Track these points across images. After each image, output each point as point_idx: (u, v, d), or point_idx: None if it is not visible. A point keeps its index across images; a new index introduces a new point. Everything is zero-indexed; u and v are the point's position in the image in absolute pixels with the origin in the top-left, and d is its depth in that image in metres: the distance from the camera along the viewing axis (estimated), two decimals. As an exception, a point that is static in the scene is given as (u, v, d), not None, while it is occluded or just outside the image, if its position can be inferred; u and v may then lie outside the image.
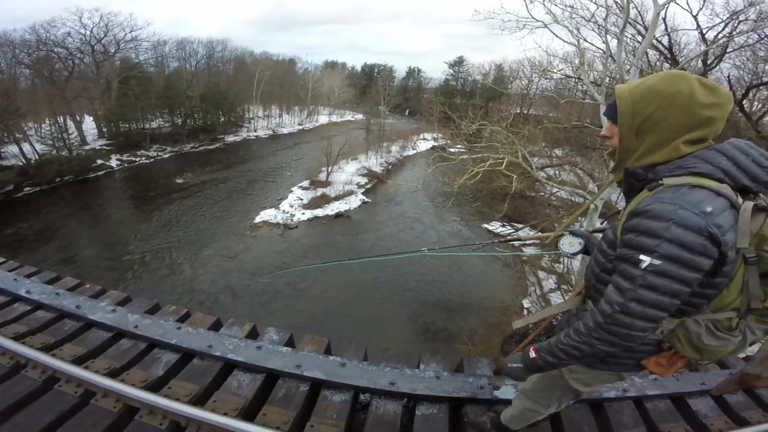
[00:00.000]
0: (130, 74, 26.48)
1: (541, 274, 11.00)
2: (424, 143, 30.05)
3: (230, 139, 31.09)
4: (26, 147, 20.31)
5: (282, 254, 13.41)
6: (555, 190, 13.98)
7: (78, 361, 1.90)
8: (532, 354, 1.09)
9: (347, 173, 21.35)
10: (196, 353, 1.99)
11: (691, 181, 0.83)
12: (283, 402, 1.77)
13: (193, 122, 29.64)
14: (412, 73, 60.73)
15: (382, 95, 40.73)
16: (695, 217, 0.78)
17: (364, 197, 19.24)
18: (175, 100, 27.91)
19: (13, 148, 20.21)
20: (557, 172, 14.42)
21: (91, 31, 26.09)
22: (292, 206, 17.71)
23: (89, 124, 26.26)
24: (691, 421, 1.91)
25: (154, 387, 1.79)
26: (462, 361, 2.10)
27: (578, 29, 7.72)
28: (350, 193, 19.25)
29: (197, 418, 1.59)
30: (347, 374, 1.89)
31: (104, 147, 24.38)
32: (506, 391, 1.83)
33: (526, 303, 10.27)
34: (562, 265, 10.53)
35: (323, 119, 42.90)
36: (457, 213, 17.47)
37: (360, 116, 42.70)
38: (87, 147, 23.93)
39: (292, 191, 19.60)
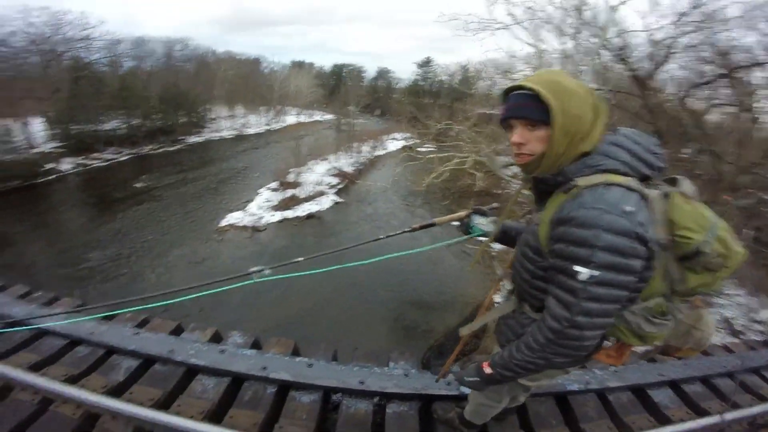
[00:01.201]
0: (80, 74, 24.94)
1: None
2: (394, 143, 30.26)
3: (192, 140, 29.91)
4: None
5: (249, 258, 13.12)
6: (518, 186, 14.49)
7: (34, 368, 1.87)
8: (488, 369, 1.10)
9: (317, 174, 21.17)
10: (157, 359, 1.98)
11: (604, 180, 0.84)
12: (250, 404, 1.78)
13: (152, 123, 28.26)
14: (382, 73, 60.96)
15: (352, 95, 40.61)
16: (620, 219, 0.78)
17: (335, 197, 19.17)
18: (131, 101, 26.54)
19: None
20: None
21: (38, 30, 24.47)
22: (260, 208, 17.35)
23: (37, 126, 24.49)
24: (653, 411, 1.98)
25: (115, 392, 1.78)
26: (429, 358, 2.20)
27: (537, 31, 8.09)
28: (321, 193, 19.13)
29: (162, 422, 1.59)
30: (315, 375, 1.92)
31: (54, 150, 22.77)
32: (470, 386, 1.94)
33: (497, 298, 10.56)
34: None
35: (291, 119, 42.14)
36: (427, 210, 17.79)
37: (329, 116, 42.33)
38: (35, 150, 22.26)
39: (259, 193, 19.19)
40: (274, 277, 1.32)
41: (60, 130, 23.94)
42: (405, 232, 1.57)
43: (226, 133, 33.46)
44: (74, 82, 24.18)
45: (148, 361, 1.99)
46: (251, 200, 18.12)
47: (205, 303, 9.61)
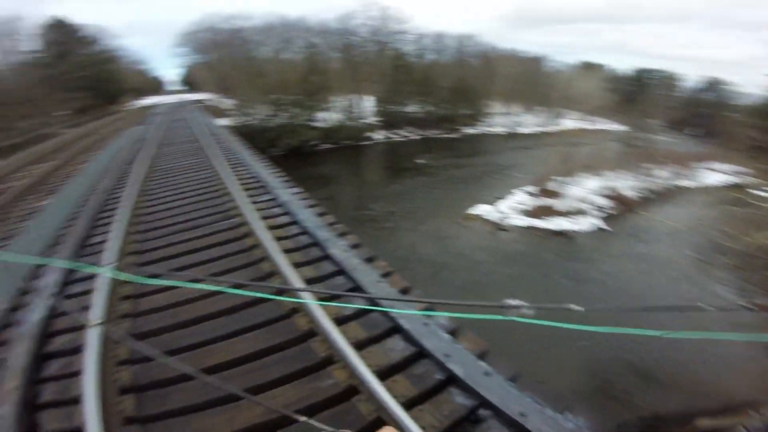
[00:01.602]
0: (398, 63, 31.54)
1: None
2: (713, 176, 22.28)
3: (468, 131, 32.66)
4: (328, 115, 28.07)
5: (483, 250, 13.23)
6: None
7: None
8: None
9: (584, 189, 18.46)
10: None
11: None
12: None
13: (439, 111, 32.64)
14: (712, 84, 45.70)
15: (656, 106, 32.52)
16: None
17: (598, 222, 16.24)
18: (428, 90, 31.44)
19: (322, 115, 28.33)
20: None
21: (374, 23, 32.43)
22: (510, 208, 16.96)
23: (368, 102, 33.29)
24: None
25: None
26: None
27: None
28: (582, 212, 16.62)
29: None
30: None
31: (375, 123, 30.36)
32: None
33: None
34: None
35: (569, 124, 38.52)
36: (735, 281, 12.31)
37: (618, 127, 35.82)
38: (364, 121, 30.45)
39: (514, 193, 18.75)
40: (534, 321, 1.07)
41: (381, 108, 31.57)
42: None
43: (499, 129, 34.49)
44: (394, 69, 30.91)
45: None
46: (503, 198, 18.01)
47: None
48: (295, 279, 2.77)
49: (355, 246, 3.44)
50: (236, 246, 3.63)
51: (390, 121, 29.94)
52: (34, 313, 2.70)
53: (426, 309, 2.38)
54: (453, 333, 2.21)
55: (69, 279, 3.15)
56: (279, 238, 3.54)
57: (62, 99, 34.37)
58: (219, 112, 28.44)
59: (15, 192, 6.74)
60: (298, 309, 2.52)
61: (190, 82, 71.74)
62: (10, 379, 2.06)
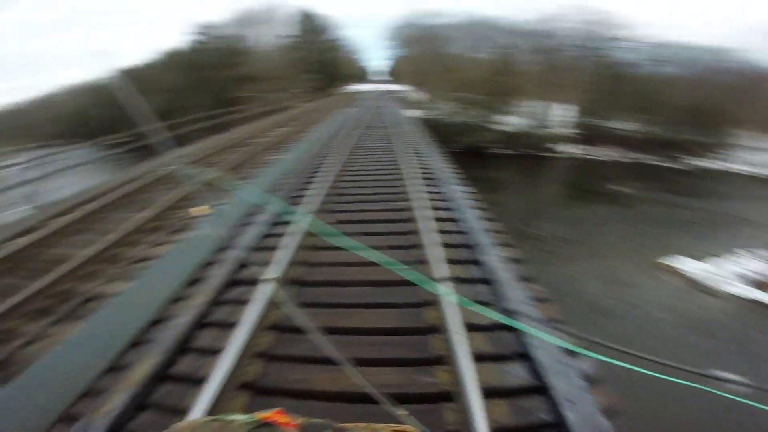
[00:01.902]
0: (605, 72, 26.67)
1: None
2: None
3: (698, 163, 25.31)
4: (512, 119, 26.66)
5: (669, 310, 10.22)
6: None
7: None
8: None
9: None
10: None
11: None
12: None
13: (657, 133, 26.31)
14: None
15: None
16: None
17: None
18: (651, 107, 25.56)
19: (506, 119, 27.18)
20: None
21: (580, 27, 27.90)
22: (723, 269, 12.56)
23: (558, 110, 29.79)
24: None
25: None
26: None
27: None
28: None
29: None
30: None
31: (566, 135, 27.14)
32: None
33: None
34: None
35: None
36: None
37: None
38: (551, 131, 27.62)
39: (739, 253, 13.77)
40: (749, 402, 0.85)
41: (581, 119, 27.84)
42: None
43: (746, 168, 25.45)
44: (603, 78, 26.35)
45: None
46: (720, 255, 13.37)
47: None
48: (438, 271, 2.74)
49: (512, 260, 3.14)
50: (399, 226, 3.88)
51: (588, 136, 26.09)
52: (246, 236, 3.56)
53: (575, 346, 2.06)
54: (589, 379, 1.92)
55: (275, 221, 4.01)
56: (440, 231, 3.54)
57: (300, 79, 44.21)
58: (412, 104, 30.82)
59: (262, 146, 9.15)
60: (434, 302, 2.49)
61: (393, 73, 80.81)
62: (200, 295, 2.68)
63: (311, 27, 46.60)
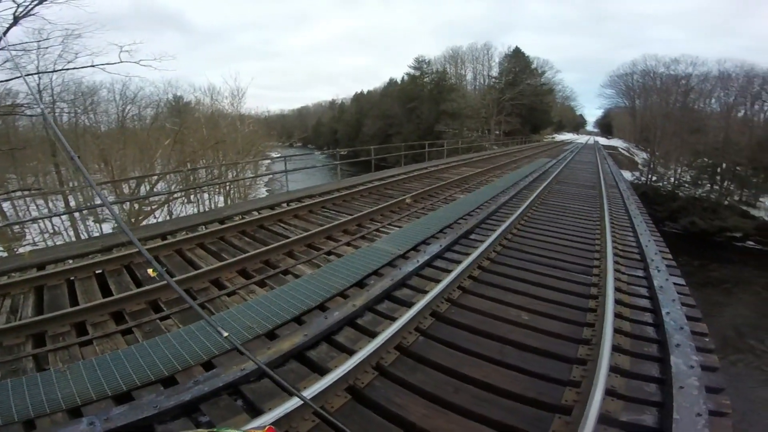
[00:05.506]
0: None
1: None
2: None
3: None
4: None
5: None
6: None
7: None
8: None
9: None
10: None
11: None
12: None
13: None
14: None
15: None
16: None
17: None
18: None
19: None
20: None
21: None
22: None
23: None
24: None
25: None
26: None
27: None
28: None
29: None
30: None
31: None
32: None
33: None
34: None
35: None
36: None
37: None
38: None
39: None
40: None
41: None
42: None
43: None
44: None
45: None
46: None
47: None
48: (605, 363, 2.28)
49: (705, 368, 2.35)
50: (578, 300, 3.45)
51: None
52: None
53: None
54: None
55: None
56: (622, 316, 3.07)
57: (498, 120, 44.28)
58: (626, 163, 26.73)
59: (465, 175, 10.43)
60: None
61: (604, 125, 70.63)
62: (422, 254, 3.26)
63: (522, 68, 46.20)
